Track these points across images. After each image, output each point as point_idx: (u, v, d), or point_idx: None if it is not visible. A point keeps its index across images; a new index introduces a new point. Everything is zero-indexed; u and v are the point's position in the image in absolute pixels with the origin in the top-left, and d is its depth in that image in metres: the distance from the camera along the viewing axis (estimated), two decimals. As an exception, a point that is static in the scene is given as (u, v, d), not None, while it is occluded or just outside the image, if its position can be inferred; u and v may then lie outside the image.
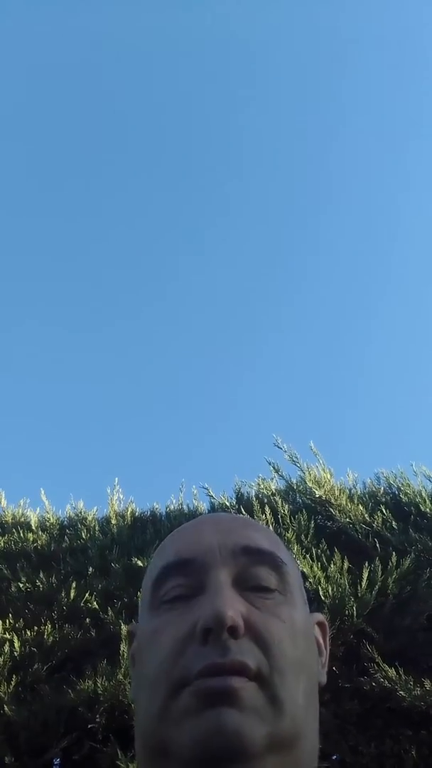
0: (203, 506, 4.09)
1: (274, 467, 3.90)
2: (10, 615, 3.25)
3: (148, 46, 10.67)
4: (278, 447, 3.80)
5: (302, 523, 3.31)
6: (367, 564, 2.91)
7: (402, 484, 3.71)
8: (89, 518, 4.07)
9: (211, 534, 0.64)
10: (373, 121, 10.93)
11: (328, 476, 3.70)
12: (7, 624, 3.18)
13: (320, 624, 0.71)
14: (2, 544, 3.86)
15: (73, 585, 3.31)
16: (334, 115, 11.16)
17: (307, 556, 3.01)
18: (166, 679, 0.56)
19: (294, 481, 3.80)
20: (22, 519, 4.21)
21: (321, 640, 0.70)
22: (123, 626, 2.92)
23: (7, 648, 2.97)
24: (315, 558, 3.02)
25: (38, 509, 4.28)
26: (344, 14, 9.85)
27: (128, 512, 4.14)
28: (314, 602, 2.77)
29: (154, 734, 0.57)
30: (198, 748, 0.53)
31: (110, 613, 3.11)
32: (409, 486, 3.67)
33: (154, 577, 0.64)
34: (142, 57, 10.89)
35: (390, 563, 2.94)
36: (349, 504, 3.49)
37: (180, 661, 0.57)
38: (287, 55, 11.11)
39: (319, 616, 0.71)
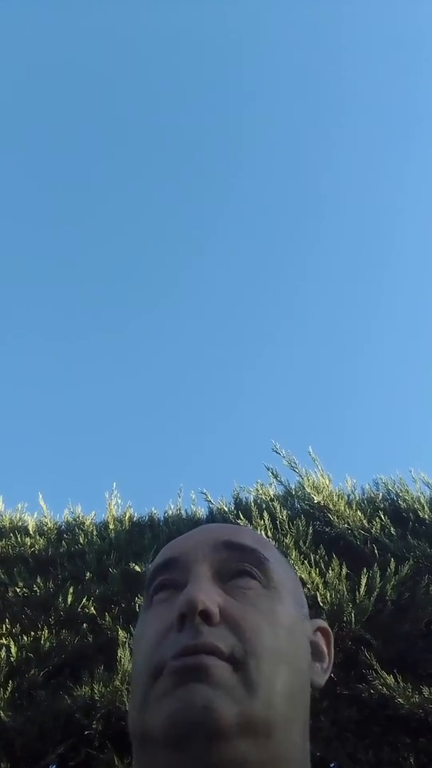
0: (201, 511, 4.08)
1: (272, 473, 3.90)
2: (7, 620, 3.24)
3: (147, 45, 10.71)
4: (277, 452, 3.80)
5: (300, 528, 3.30)
6: (365, 570, 2.90)
7: (400, 490, 3.71)
8: (87, 523, 4.06)
9: (198, 535, 0.67)
10: (372, 121, 10.96)
11: (327, 482, 3.70)
12: (4, 629, 3.17)
13: (322, 630, 0.71)
14: (-1, 549, 3.85)
15: (71, 590, 3.29)
16: (333, 116, 11.20)
17: (306, 561, 3.01)
18: (147, 669, 0.58)
19: (292, 486, 3.79)
20: (20, 523, 4.20)
21: (323, 646, 0.69)
22: (120, 632, 2.91)
23: (3, 653, 2.96)
24: (313, 564, 3.01)
25: (36, 513, 4.28)
26: (343, 13, 9.88)
27: (126, 517, 4.13)
28: (312, 608, 2.75)
29: (136, 723, 0.58)
30: (169, 727, 0.53)
31: (108, 618, 3.10)
32: (408, 492, 3.66)
33: (147, 580, 0.67)
34: (141, 57, 10.92)
35: (388, 569, 2.93)
36: (347, 510, 3.48)
37: (159, 649, 0.58)
38: (286, 55, 11.15)
39: (321, 622, 0.71)
